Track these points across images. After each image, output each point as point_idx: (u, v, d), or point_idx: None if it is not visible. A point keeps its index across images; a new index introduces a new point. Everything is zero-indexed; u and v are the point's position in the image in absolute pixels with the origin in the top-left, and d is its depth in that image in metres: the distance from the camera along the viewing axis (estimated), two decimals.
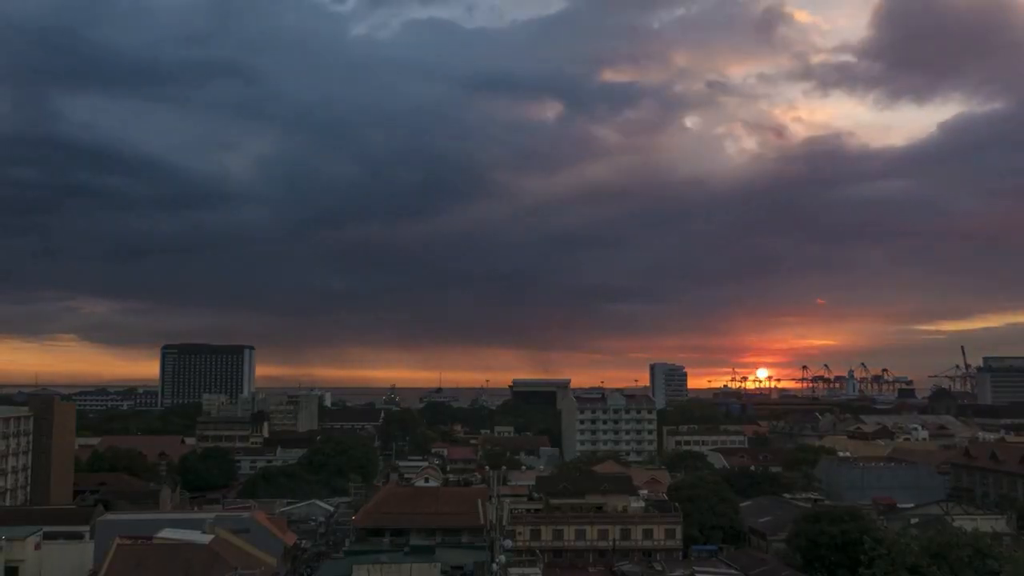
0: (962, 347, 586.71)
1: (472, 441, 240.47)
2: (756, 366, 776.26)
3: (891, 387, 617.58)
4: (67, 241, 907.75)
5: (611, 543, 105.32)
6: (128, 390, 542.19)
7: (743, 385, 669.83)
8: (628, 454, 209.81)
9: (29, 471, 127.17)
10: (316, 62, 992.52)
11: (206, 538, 71.79)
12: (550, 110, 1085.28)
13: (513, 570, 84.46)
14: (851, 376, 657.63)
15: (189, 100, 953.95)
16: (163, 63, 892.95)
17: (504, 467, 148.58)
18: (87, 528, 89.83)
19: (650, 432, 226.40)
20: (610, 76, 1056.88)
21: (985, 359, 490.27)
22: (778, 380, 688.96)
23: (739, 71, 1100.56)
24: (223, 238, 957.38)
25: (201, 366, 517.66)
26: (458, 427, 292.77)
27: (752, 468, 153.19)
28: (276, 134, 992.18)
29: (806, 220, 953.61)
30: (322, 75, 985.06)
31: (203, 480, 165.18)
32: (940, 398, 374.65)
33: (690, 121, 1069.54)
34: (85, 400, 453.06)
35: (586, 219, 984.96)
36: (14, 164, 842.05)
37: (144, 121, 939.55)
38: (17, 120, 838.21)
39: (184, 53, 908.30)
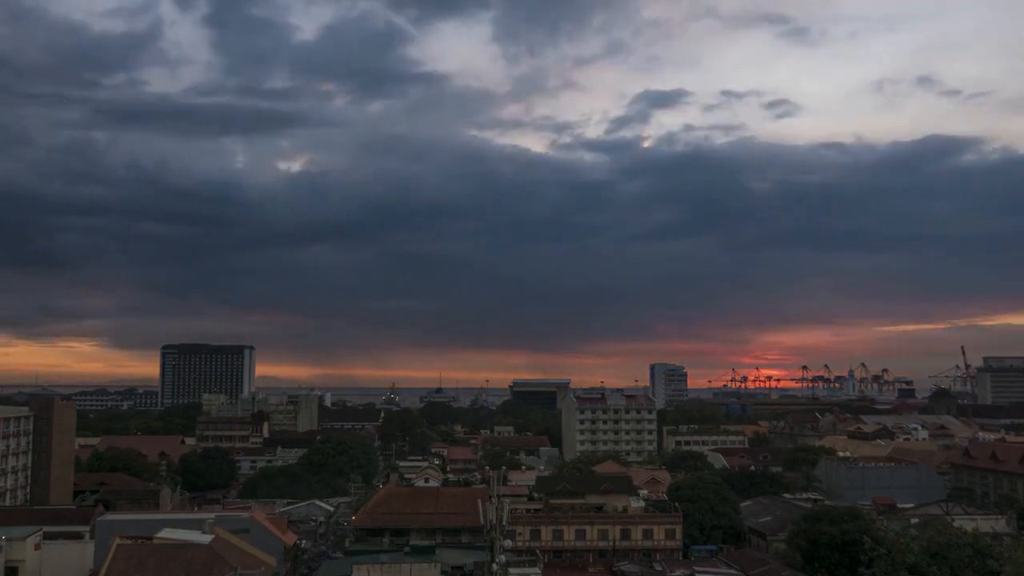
0: (962, 347, 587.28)
1: (472, 441, 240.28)
2: (756, 366, 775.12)
3: (891, 387, 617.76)
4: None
5: (611, 543, 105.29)
6: (128, 390, 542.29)
7: (744, 385, 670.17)
8: (628, 454, 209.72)
9: (29, 471, 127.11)
10: None
11: (206, 538, 71.65)
12: None
13: (513, 570, 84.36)
14: (851, 376, 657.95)
15: None
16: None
17: (504, 467, 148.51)
18: (87, 528, 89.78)
19: (650, 432, 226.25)
20: None
21: (985, 359, 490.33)
22: (778, 380, 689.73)
23: None
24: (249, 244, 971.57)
25: (201, 366, 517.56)
26: (458, 427, 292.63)
27: (752, 468, 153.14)
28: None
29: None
30: None
31: (203, 480, 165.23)
32: (940, 398, 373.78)
33: None
34: (85, 400, 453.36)
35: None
36: None
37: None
38: None
39: None
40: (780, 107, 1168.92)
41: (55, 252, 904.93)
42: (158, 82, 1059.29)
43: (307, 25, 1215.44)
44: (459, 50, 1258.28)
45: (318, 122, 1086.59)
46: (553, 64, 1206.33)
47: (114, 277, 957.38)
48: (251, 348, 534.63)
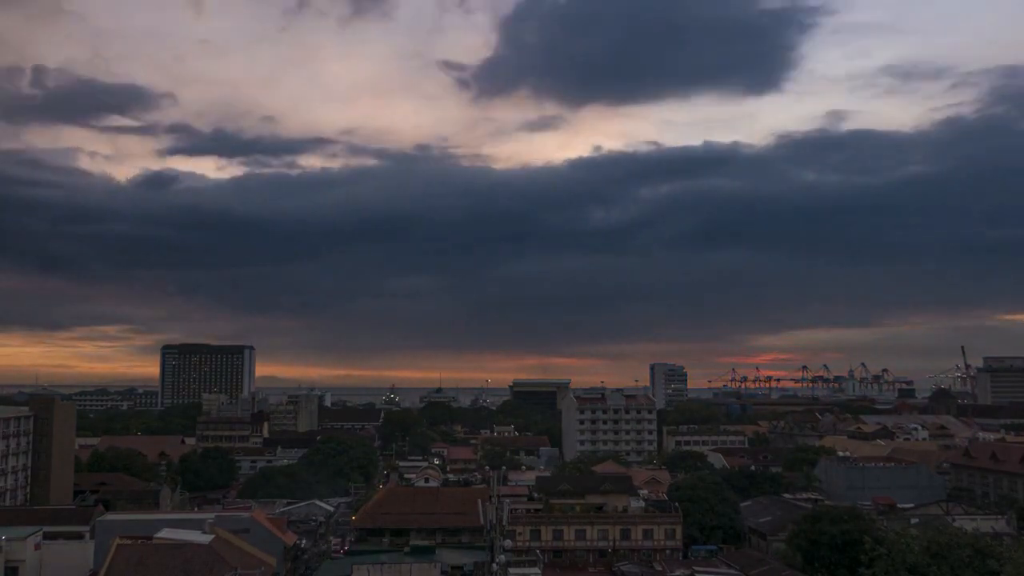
0: (962, 347, 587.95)
1: (472, 441, 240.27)
2: (756, 366, 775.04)
3: (891, 387, 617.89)
4: None
5: (611, 543, 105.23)
6: (128, 390, 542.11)
7: (744, 385, 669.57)
8: (628, 454, 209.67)
9: (29, 471, 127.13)
10: None
11: (206, 538, 71.77)
12: None
13: (513, 570, 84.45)
14: (851, 376, 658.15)
15: None
16: None
17: (504, 467, 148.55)
18: (87, 528, 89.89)
19: (650, 432, 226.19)
20: None
21: (985, 359, 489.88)
22: (778, 380, 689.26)
23: None
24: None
25: (201, 366, 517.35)
26: (458, 427, 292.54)
27: (752, 468, 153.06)
28: None
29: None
30: None
31: (203, 480, 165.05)
32: (940, 398, 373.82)
33: None
34: (85, 400, 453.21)
35: None
36: None
37: None
38: None
39: None
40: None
41: (66, 256, 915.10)
42: None
43: None
44: None
45: None
46: None
47: (125, 279, 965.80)
48: (251, 348, 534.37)
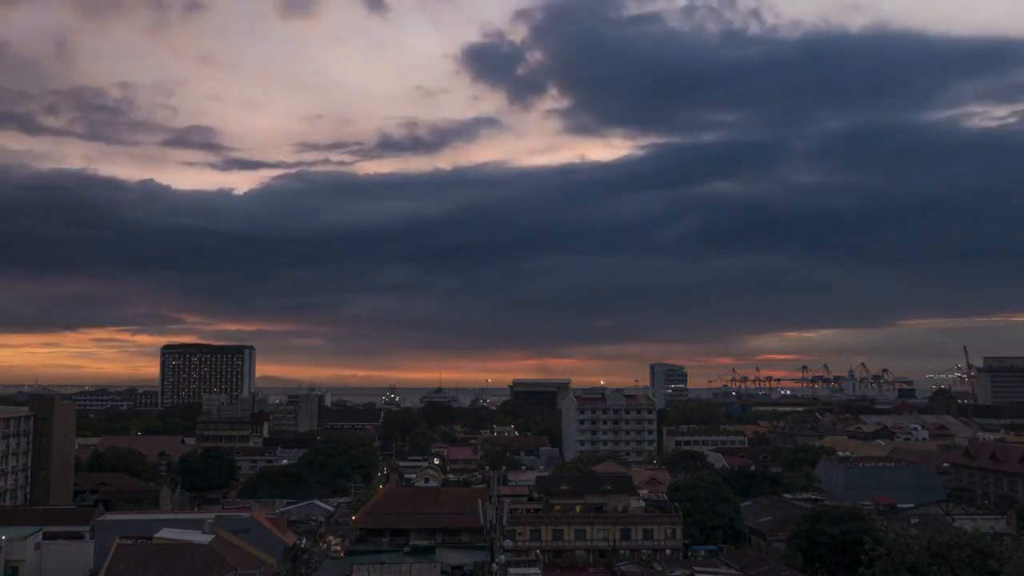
0: (964, 347, 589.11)
1: (472, 441, 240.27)
2: (756, 366, 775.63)
3: (891, 387, 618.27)
4: None
5: (611, 543, 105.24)
6: (128, 390, 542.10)
7: (744, 385, 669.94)
8: (628, 454, 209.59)
9: (29, 471, 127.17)
10: None
11: (206, 538, 71.72)
12: None
13: (513, 570, 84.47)
14: (851, 376, 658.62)
15: None
16: None
17: (504, 467, 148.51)
18: (87, 528, 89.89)
19: (650, 432, 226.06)
20: None
21: (985, 359, 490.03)
22: (778, 380, 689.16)
23: None
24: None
25: (201, 366, 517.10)
26: (458, 427, 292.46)
27: (752, 468, 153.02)
28: None
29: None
30: None
31: (203, 480, 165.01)
32: (940, 398, 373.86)
33: None
34: (85, 400, 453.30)
35: None
36: None
37: None
38: None
39: None
40: None
41: (70, 258, 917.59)
42: None
43: None
44: None
45: None
46: None
47: (128, 281, 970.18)
48: (251, 348, 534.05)
